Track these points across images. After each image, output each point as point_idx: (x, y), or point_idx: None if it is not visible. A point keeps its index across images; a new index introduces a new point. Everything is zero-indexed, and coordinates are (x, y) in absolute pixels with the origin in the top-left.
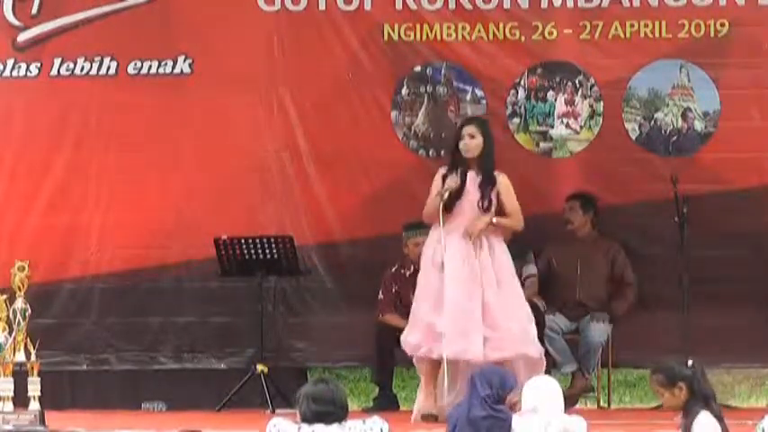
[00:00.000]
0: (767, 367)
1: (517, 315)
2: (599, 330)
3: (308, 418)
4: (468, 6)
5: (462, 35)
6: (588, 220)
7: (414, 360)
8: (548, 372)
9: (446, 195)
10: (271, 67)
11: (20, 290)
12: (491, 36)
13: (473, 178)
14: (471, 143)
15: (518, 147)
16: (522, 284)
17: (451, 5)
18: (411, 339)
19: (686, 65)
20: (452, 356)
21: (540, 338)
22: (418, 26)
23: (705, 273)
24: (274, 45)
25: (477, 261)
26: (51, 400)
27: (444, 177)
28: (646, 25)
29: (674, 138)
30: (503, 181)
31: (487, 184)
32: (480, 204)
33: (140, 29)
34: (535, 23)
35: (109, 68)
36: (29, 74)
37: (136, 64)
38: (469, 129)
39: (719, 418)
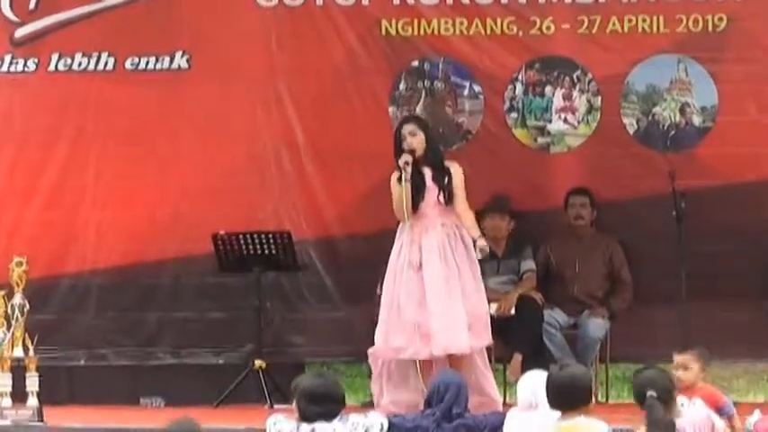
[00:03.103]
0: (765, 362)
1: (485, 302)
2: (597, 326)
3: (306, 416)
4: (466, 1)
5: (460, 30)
6: (592, 216)
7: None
8: (546, 367)
9: (409, 169)
10: (268, 63)
11: (18, 285)
12: (488, 31)
13: (427, 173)
14: (414, 141)
15: (516, 142)
16: (521, 279)
17: (449, 0)
18: (396, 342)
19: (684, 60)
20: (442, 353)
21: (539, 333)
22: (416, 21)
23: (703, 268)
24: (272, 40)
25: (453, 255)
26: (49, 395)
27: (399, 179)
28: (644, 20)
29: (672, 132)
30: (456, 170)
31: (442, 176)
32: (440, 198)
33: (138, 24)
34: (533, 18)
35: (106, 64)
36: (26, 69)
37: (133, 59)
38: (408, 127)
39: None
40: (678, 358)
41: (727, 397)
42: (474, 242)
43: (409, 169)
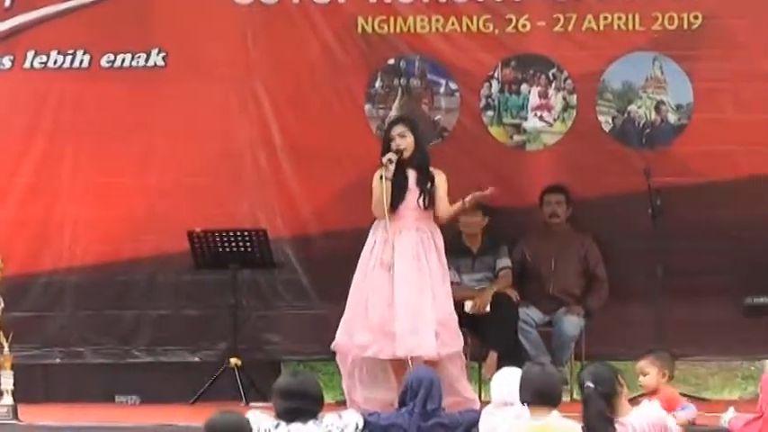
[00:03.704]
0: (740, 360)
1: (453, 311)
2: (572, 323)
3: (283, 415)
4: None
5: (436, 28)
6: (568, 214)
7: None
8: (521, 364)
9: (391, 167)
10: (244, 60)
11: None
12: (465, 29)
13: (411, 176)
14: (403, 142)
15: (492, 139)
16: (496, 276)
17: None
18: (360, 340)
19: (660, 57)
20: (406, 354)
21: (514, 331)
22: (392, 19)
23: (678, 265)
24: (248, 38)
25: (425, 259)
26: (25, 393)
27: (381, 177)
28: (619, 18)
29: (648, 130)
30: (441, 178)
31: (425, 180)
32: (419, 202)
33: (114, 22)
34: (509, 16)
35: (82, 61)
36: (2, 66)
37: (109, 57)
38: (399, 128)
39: None
40: (638, 367)
41: (686, 402)
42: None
43: (391, 167)
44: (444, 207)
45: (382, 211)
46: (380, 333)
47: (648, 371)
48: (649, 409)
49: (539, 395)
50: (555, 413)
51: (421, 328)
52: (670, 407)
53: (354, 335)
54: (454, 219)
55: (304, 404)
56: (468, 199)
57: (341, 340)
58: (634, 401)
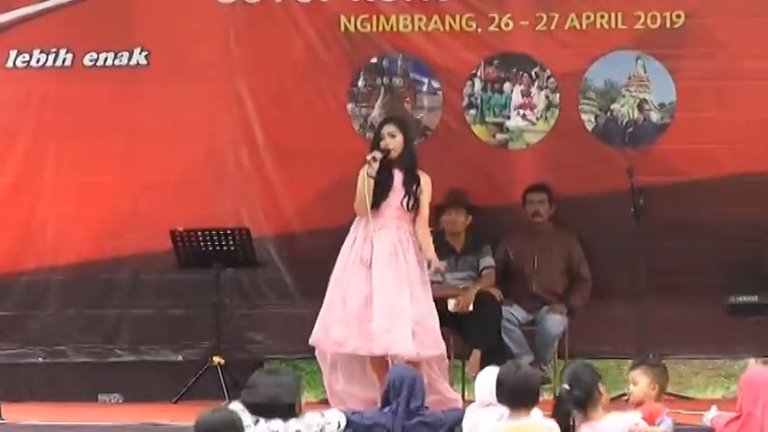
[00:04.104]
0: (723, 358)
1: (434, 313)
2: (556, 322)
3: (260, 413)
4: None
5: (419, 26)
6: (551, 213)
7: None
8: (504, 363)
9: (375, 165)
10: (227, 59)
11: None
12: (447, 27)
13: (398, 176)
14: (392, 142)
15: (474, 138)
16: (480, 275)
17: None
18: (337, 335)
19: (642, 56)
20: (382, 352)
21: (498, 330)
22: (375, 17)
23: (661, 264)
24: (231, 37)
25: (404, 258)
26: (7, 392)
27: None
28: (602, 17)
29: (631, 129)
30: (426, 182)
31: (412, 182)
32: (404, 203)
33: (97, 21)
34: (491, 15)
35: (65, 60)
36: None
37: (92, 56)
38: (389, 128)
39: None
40: (629, 376)
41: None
42: (428, 263)
43: (375, 165)
44: (422, 220)
45: (364, 208)
46: (357, 329)
47: (639, 381)
48: (623, 419)
49: (514, 396)
50: (536, 412)
51: (397, 326)
52: (651, 421)
53: (330, 329)
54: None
55: (283, 403)
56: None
57: (317, 335)
58: (616, 401)
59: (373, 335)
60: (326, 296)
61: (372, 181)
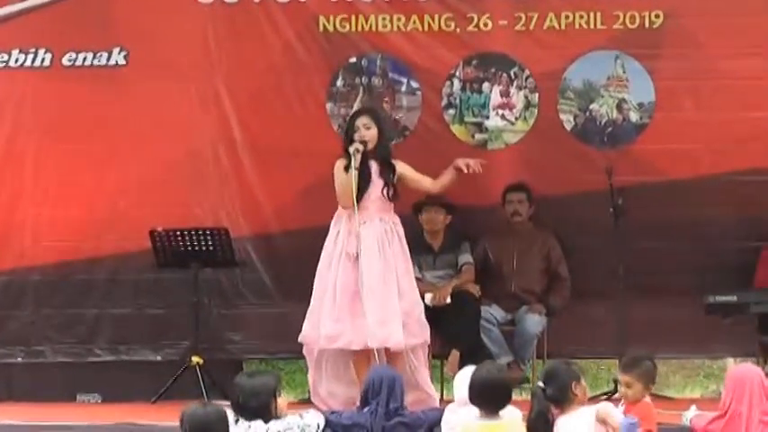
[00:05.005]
0: (702, 358)
1: (419, 300)
2: (534, 321)
3: (240, 413)
4: None
5: (397, 26)
6: (530, 212)
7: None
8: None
9: (359, 157)
10: (206, 59)
11: None
12: (426, 27)
13: (374, 168)
14: (368, 134)
15: (453, 138)
16: (459, 271)
17: None
18: (328, 331)
19: (621, 56)
20: (376, 346)
21: (477, 329)
22: (353, 17)
23: (640, 263)
24: (209, 36)
25: (390, 250)
26: None
27: (346, 168)
28: (581, 16)
29: (609, 129)
30: (402, 165)
31: (388, 172)
32: (384, 192)
33: (75, 20)
34: (470, 15)
35: (44, 60)
36: None
37: (71, 56)
38: (363, 119)
39: None
40: (623, 377)
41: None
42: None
43: (359, 157)
44: (429, 181)
45: (348, 201)
46: (349, 324)
47: (634, 385)
48: (583, 417)
49: (484, 396)
50: (512, 411)
51: (389, 319)
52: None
53: (321, 326)
54: (449, 189)
55: (261, 404)
56: (455, 165)
57: (307, 332)
58: (595, 401)
59: (368, 329)
60: (314, 293)
61: (356, 173)
